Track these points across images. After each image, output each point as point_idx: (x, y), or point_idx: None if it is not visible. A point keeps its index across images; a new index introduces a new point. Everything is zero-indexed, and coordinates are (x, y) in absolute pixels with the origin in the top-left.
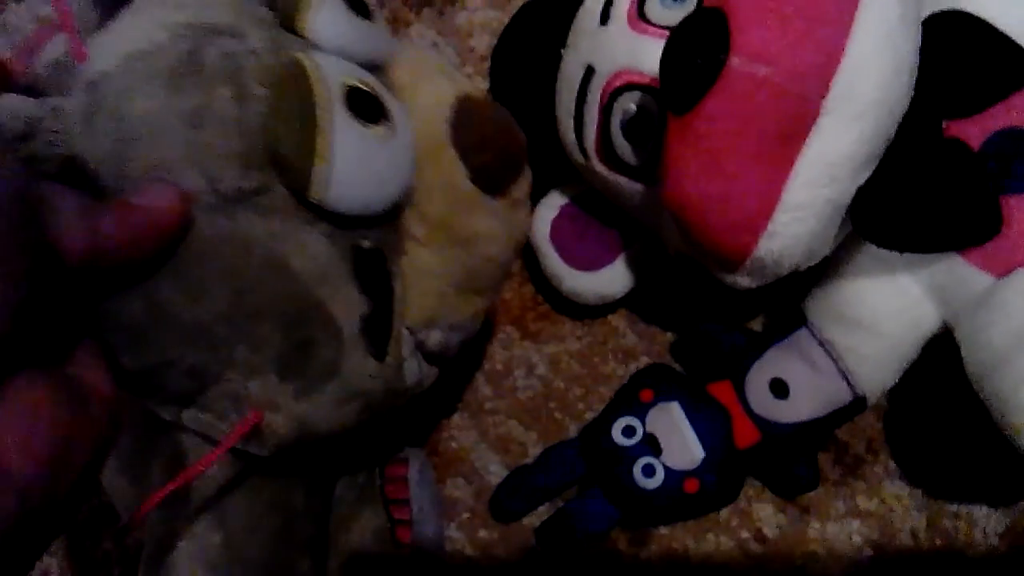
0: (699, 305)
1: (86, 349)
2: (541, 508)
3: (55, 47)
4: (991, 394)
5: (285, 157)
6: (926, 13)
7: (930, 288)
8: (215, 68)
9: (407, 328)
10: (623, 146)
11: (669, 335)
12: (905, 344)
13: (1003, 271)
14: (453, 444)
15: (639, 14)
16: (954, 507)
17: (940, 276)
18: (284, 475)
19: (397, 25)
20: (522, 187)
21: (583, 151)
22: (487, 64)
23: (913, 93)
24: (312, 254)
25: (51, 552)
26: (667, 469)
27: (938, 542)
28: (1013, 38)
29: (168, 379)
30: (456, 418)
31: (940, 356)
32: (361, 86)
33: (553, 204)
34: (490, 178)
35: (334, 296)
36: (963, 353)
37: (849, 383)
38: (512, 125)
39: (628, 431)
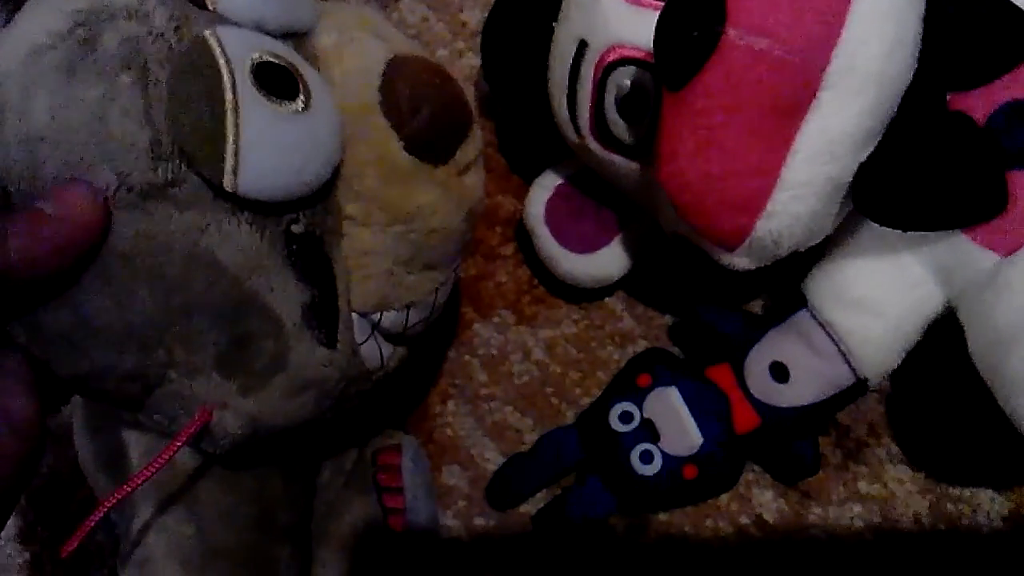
0: (697, 287)
1: (6, 370)
2: (538, 495)
3: None
4: (996, 376)
5: (192, 145)
6: None
7: (934, 268)
8: (115, 55)
9: (357, 312)
10: (618, 123)
11: (667, 318)
12: (908, 326)
13: (1009, 250)
14: (448, 431)
15: None
16: (957, 491)
17: (944, 256)
18: (258, 463)
19: (387, 0)
20: (469, 151)
21: (577, 129)
22: (479, 39)
23: (916, 65)
24: (239, 244)
25: (44, 543)
26: (665, 455)
27: (941, 526)
28: (1020, 7)
29: (108, 384)
30: (451, 405)
31: (943, 338)
32: (273, 60)
33: (547, 184)
34: (428, 146)
35: (269, 286)
36: (967, 334)
37: (850, 366)
38: (451, 85)
39: (625, 417)
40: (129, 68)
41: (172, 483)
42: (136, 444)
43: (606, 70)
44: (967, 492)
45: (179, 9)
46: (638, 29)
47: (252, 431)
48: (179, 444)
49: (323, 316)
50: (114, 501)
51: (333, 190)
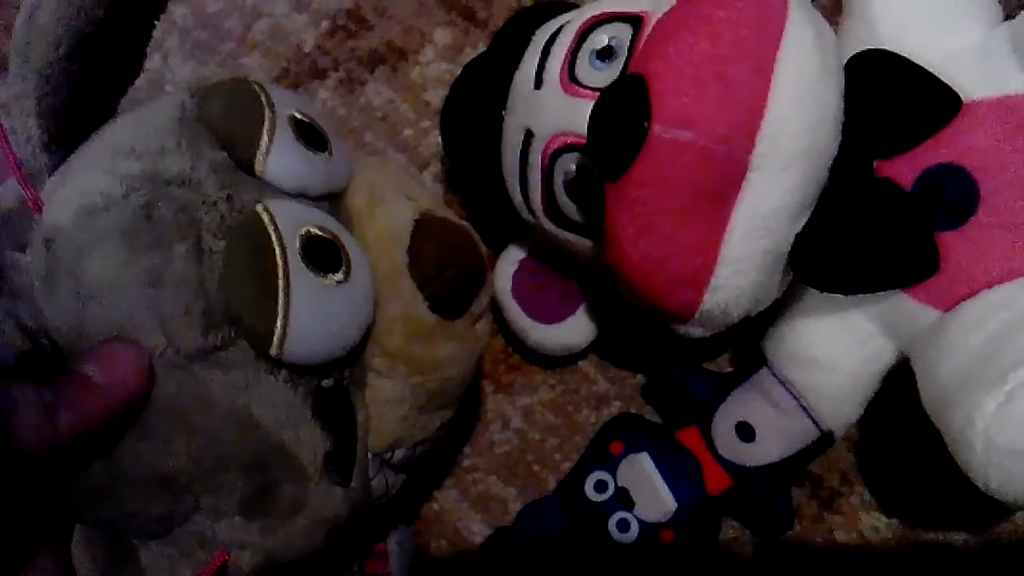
0: (667, 345)
1: (48, 555)
2: None
3: (6, 193)
4: (943, 429)
5: (243, 316)
6: (848, 54)
7: (881, 324)
8: (171, 224)
9: (371, 453)
10: (568, 205)
11: (640, 378)
12: (864, 378)
13: (948, 305)
14: (435, 506)
15: (570, 77)
16: (931, 535)
17: (889, 312)
18: None
19: (352, 85)
20: (483, 300)
21: (531, 210)
22: None
23: (841, 137)
24: (273, 401)
25: None
26: (641, 522)
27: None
28: (936, 73)
29: (132, 526)
30: (436, 479)
31: (906, 382)
32: (319, 233)
33: (512, 258)
34: (449, 304)
35: (296, 437)
36: (919, 385)
37: (814, 420)
38: (471, 242)
39: (600, 486)
40: (185, 238)
41: None
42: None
43: (552, 157)
44: (942, 535)
45: (229, 176)
46: (577, 118)
47: (266, 566)
48: None
49: (342, 459)
50: None
51: (363, 347)
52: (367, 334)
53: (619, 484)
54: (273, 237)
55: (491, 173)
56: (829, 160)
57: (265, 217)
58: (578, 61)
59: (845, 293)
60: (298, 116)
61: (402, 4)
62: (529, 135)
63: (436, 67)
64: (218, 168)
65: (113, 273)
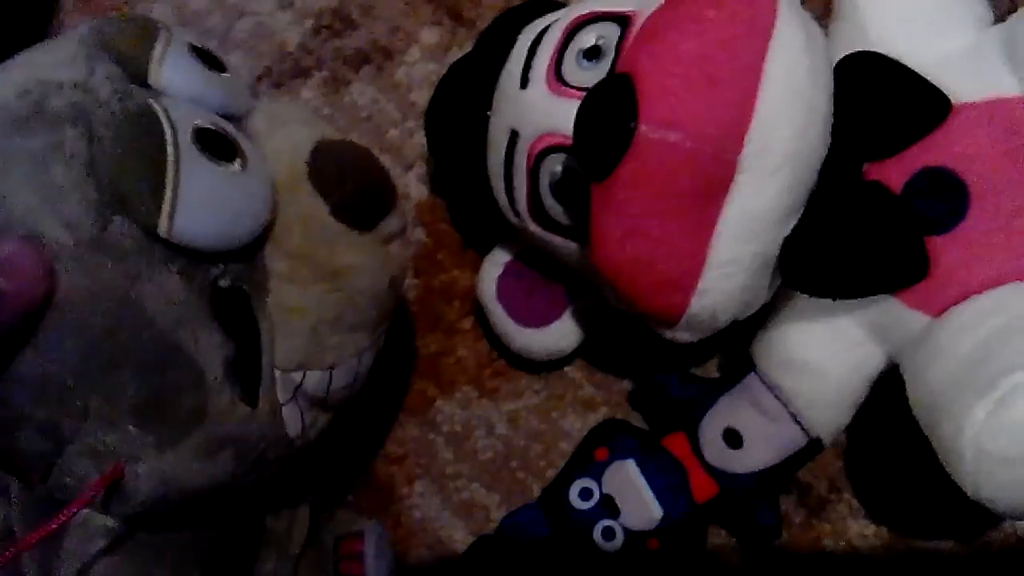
0: (655, 350)
1: None
2: None
3: None
4: (932, 436)
5: (131, 191)
6: (837, 56)
7: (870, 329)
8: (62, 112)
9: (279, 370)
10: (554, 207)
11: (627, 383)
12: (853, 384)
13: (938, 310)
14: (416, 513)
15: (557, 76)
16: (920, 543)
17: (878, 317)
18: (173, 556)
19: (336, 85)
20: (392, 223)
21: (516, 212)
22: None
23: (830, 140)
24: (168, 295)
25: None
26: (626, 531)
27: None
28: (926, 75)
29: (21, 437)
30: (418, 485)
31: (895, 389)
32: (213, 127)
33: (497, 261)
34: (352, 212)
35: (193, 338)
36: (908, 391)
37: (802, 427)
38: (373, 162)
39: (585, 493)
40: (75, 124)
41: (83, 553)
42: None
43: (537, 157)
44: (930, 544)
45: (122, 85)
46: (563, 119)
47: (164, 491)
48: (88, 496)
49: (245, 372)
50: (4, 560)
51: (262, 248)
52: (265, 233)
53: (604, 492)
54: (164, 122)
55: (477, 174)
56: (818, 163)
57: (157, 107)
58: (565, 61)
59: (833, 298)
60: (196, 44)
61: (388, 3)
62: (515, 136)
63: (422, 67)
64: (113, 79)
65: (4, 160)
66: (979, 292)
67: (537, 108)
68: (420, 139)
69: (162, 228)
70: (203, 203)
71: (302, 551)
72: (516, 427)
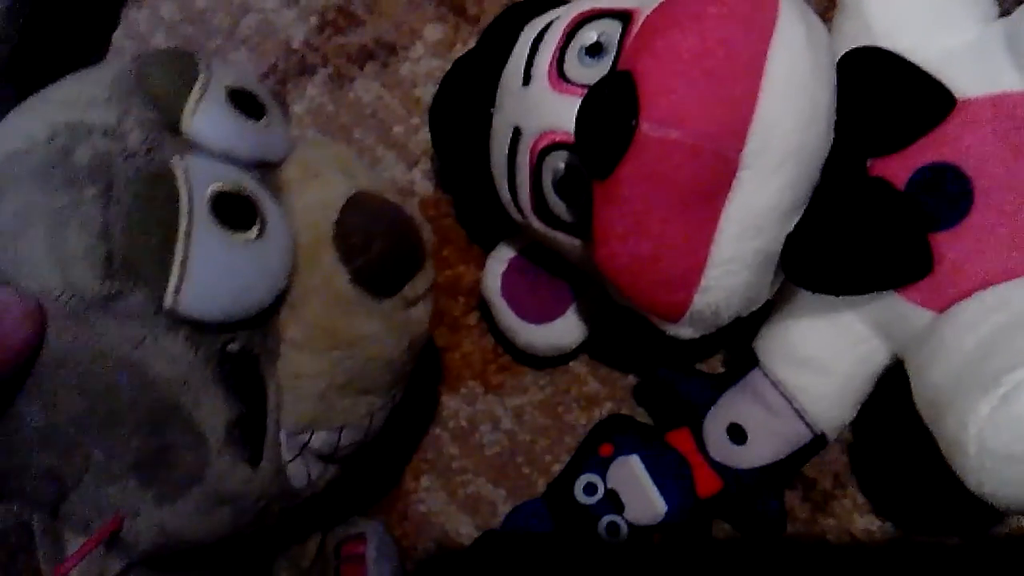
0: (660, 345)
1: None
2: None
3: None
4: (936, 432)
5: (140, 263)
6: (841, 51)
7: (874, 325)
8: (85, 167)
9: (285, 431)
10: (557, 204)
11: (632, 379)
12: (857, 380)
13: (942, 306)
14: (422, 508)
15: (559, 73)
16: (925, 538)
17: (882, 313)
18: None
19: (341, 81)
20: (419, 284)
21: (519, 209)
22: None
23: (833, 135)
24: (172, 359)
25: None
26: (631, 526)
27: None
28: (930, 71)
29: (26, 482)
30: (424, 480)
31: (902, 384)
32: (235, 190)
33: (502, 257)
34: (374, 278)
35: (196, 401)
36: (912, 387)
37: (806, 422)
38: (407, 222)
39: (590, 489)
40: (96, 182)
41: None
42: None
43: (540, 155)
44: (935, 538)
45: (155, 134)
46: (566, 116)
47: (164, 542)
48: (88, 548)
49: (249, 434)
50: None
51: (276, 314)
52: (280, 300)
53: (608, 487)
54: (182, 187)
55: (481, 171)
56: (821, 159)
57: (178, 169)
58: (567, 58)
59: (837, 294)
60: (236, 86)
61: None
62: (517, 133)
63: (427, 63)
64: (145, 124)
65: (21, 212)
66: (983, 288)
67: (539, 105)
68: (425, 135)
69: (168, 301)
70: (213, 277)
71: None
72: (521, 422)
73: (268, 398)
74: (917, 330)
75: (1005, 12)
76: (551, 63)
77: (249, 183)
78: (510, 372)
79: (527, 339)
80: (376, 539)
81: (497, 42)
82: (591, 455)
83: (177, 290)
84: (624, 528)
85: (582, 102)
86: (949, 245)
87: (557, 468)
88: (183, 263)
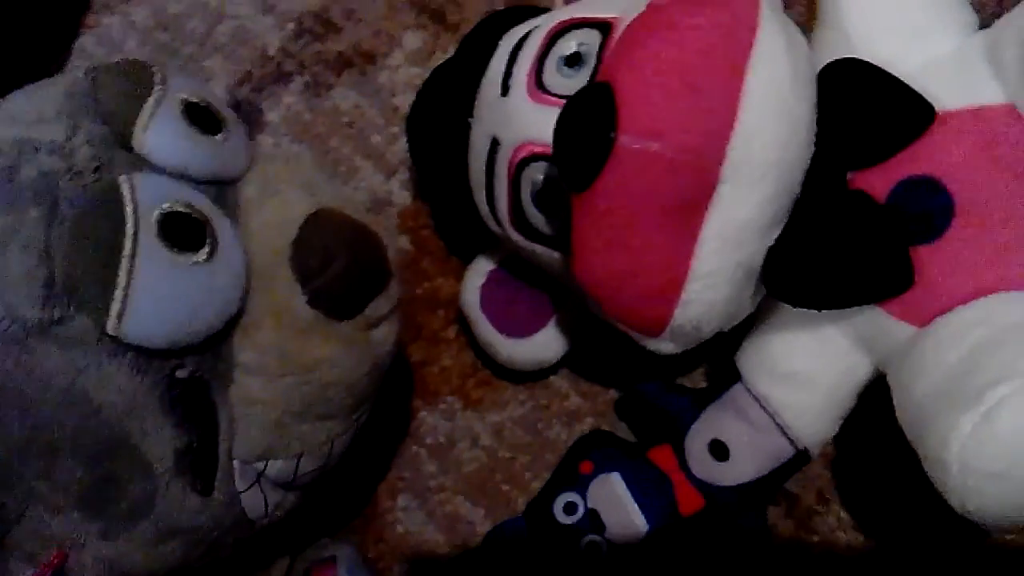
0: (641, 361)
1: None
2: None
3: None
4: (918, 447)
5: (81, 287)
6: (821, 63)
7: (857, 339)
8: (29, 188)
9: (240, 460)
10: (536, 216)
11: (613, 393)
12: (840, 394)
13: (923, 321)
14: (399, 528)
15: (538, 83)
16: (910, 554)
17: (864, 327)
18: None
19: (318, 89)
20: (381, 305)
21: (498, 220)
22: None
23: (814, 148)
24: (117, 386)
25: None
26: (612, 546)
27: None
28: (911, 83)
29: None
30: (401, 500)
31: (884, 398)
32: (184, 210)
33: (480, 270)
34: (333, 300)
35: (142, 429)
36: (894, 401)
37: (789, 438)
38: (370, 241)
39: (570, 508)
40: (40, 203)
41: None
42: None
43: (519, 166)
44: (919, 554)
45: (104, 151)
46: (544, 127)
47: None
48: None
49: (200, 463)
50: None
51: (227, 338)
52: (232, 324)
53: (589, 506)
54: (128, 208)
55: (459, 182)
56: (802, 171)
57: (125, 188)
58: (546, 68)
59: (818, 309)
60: (192, 99)
61: (371, 6)
62: (496, 143)
63: (405, 71)
64: (94, 141)
65: None
66: (964, 303)
67: (518, 116)
68: (403, 144)
69: (111, 327)
70: (158, 301)
71: None
72: (501, 439)
73: (220, 426)
74: (899, 344)
75: (985, 24)
76: (530, 73)
77: (202, 202)
78: (490, 387)
79: (507, 353)
80: (347, 563)
81: (476, 51)
82: (571, 473)
83: (120, 315)
84: (605, 548)
85: (560, 114)
86: (930, 259)
87: (537, 485)
88: (126, 287)
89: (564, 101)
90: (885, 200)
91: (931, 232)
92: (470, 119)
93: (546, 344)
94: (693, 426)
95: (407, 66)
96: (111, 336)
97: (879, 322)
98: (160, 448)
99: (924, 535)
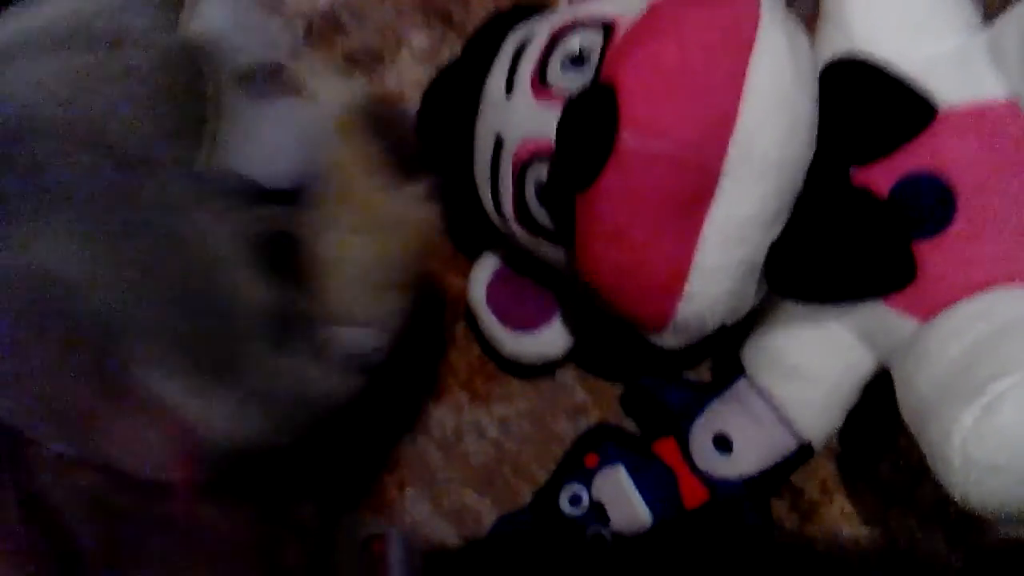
0: (646, 355)
1: None
2: None
3: None
4: (921, 440)
5: (180, 122)
6: (824, 59)
7: (860, 333)
8: (103, 35)
9: (320, 322)
10: (540, 212)
11: (618, 388)
12: (843, 388)
13: (926, 315)
14: (407, 519)
15: (541, 83)
16: (913, 546)
17: (867, 322)
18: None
19: None
20: (422, 186)
21: (503, 217)
22: None
23: (816, 145)
24: (207, 233)
25: None
26: (617, 538)
27: None
28: (913, 79)
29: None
30: (408, 491)
31: (888, 391)
32: (263, 62)
33: (487, 266)
34: (405, 156)
35: (231, 282)
36: (897, 395)
37: (792, 432)
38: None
39: (575, 500)
40: (113, 48)
41: None
42: None
43: (523, 164)
44: (922, 547)
45: (163, 20)
46: (548, 125)
47: (223, 443)
48: None
49: (285, 322)
50: None
51: (312, 193)
52: (316, 179)
53: (594, 498)
54: (207, 55)
55: (465, 180)
56: (803, 167)
57: (200, 41)
58: (549, 67)
59: (820, 303)
60: None
61: (378, 7)
62: (500, 142)
63: (413, 71)
64: (153, 6)
65: (45, 78)
66: (966, 297)
67: (521, 114)
68: None
69: (208, 160)
70: (245, 143)
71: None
72: (507, 432)
73: (305, 283)
74: (902, 339)
75: (988, 20)
76: (533, 73)
77: (273, 63)
78: (496, 381)
79: (513, 348)
80: (398, 539)
81: (481, 50)
82: (576, 465)
83: (218, 148)
84: (609, 539)
85: (562, 113)
86: (932, 254)
87: (543, 477)
88: (215, 126)
89: (567, 100)
90: (888, 195)
91: (933, 227)
92: (475, 118)
93: (551, 339)
94: (697, 420)
95: (415, 66)
96: (207, 178)
97: (882, 317)
98: (247, 303)
99: (927, 528)
